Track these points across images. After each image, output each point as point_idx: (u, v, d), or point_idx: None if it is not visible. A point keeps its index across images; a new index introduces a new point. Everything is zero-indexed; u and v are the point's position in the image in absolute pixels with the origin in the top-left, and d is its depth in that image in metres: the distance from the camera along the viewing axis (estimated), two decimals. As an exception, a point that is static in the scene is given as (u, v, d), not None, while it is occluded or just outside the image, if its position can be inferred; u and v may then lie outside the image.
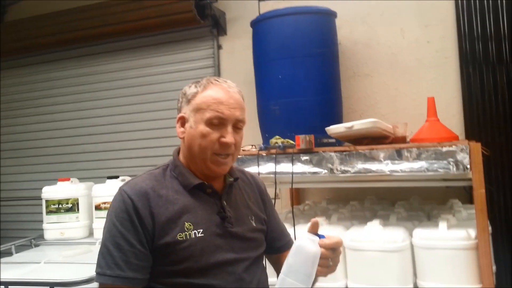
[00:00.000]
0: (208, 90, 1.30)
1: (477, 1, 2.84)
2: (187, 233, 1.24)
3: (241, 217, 1.38)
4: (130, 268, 1.20)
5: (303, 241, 1.25)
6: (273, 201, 1.67)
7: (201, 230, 1.26)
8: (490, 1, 2.81)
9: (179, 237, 1.23)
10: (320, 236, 1.26)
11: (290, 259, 1.24)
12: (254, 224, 1.41)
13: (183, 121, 1.33)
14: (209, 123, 1.28)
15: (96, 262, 1.24)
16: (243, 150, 2.43)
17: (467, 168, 1.93)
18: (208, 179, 1.34)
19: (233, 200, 1.40)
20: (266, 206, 1.52)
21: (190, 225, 1.26)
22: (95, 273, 1.23)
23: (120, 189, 1.28)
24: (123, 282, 1.19)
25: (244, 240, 1.36)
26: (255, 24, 2.77)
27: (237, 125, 1.32)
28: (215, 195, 1.35)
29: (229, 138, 1.28)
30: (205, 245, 1.26)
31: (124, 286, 1.20)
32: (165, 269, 1.24)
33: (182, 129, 1.33)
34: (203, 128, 1.28)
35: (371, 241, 2.04)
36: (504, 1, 2.78)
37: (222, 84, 1.33)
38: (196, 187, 1.32)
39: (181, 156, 1.38)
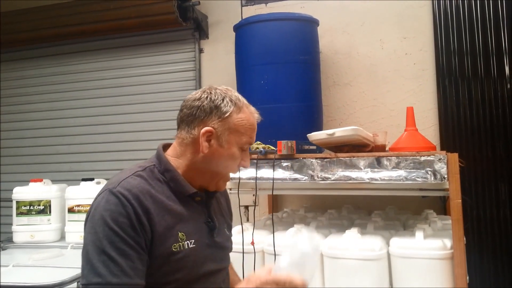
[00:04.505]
0: (243, 113, 1.29)
1: (454, 16, 2.92)
2: (181, 244, 1.20)
3: (220, 225, 1.38)
4: (137, 274, 1.11)
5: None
6: (252, 208, 1.69)
7: (193, 241, 1.24)
8: (467, 17, 2.89)
9: (174, 248, 1.19)
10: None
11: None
12: (227, 232, 1.43)
13: (210, 135, 1.26)
14: (241, 147, 1.29)
15: (82, 274, 1.11)
16: (223, 154, 2.40)
17: (444, 178, 1.96)
18: (198, 188, 1.32)
19: (214, 208, 1.39)
20: (231, 212, 1.54)
21: (183, 235, 1.22)
22: (87, 285, 1.09)
23: (115, 191, 1.16)
24: None
25: (223, 249, 1.37)
26: (238, 28, 2.77)
27: None
28: (202, 202, 1.33)
29: (248, 162, 1.34)
30: (196, 257, 1.23)
31: None
32: (154, 279, 1.17)
33: (206, 143, 1.26)
34: (235, 151, 1.28)
35: (349, 249, 2.04)
36: (479, 19, 2.87)
37: (250, 108, 1.33)
38: (188, 195, 1.28)
39: (173, 161, 1.30)
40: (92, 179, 2.82)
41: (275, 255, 2.05)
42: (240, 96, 1.32)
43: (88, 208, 2.70)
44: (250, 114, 1.31)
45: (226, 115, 1.26)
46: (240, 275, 1.77)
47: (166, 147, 1.37)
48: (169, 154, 1.32)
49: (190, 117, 1.28)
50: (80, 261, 1.15)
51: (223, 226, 1.42)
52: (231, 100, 1.28)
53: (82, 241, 2.70)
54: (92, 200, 1.22)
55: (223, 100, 1.27)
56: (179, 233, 1.21)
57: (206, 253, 1.27)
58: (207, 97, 1.28)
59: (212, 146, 1.26)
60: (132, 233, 1.12)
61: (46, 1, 3.68)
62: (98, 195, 1.21)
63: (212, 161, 1.28)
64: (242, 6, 3.40)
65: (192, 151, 1.28)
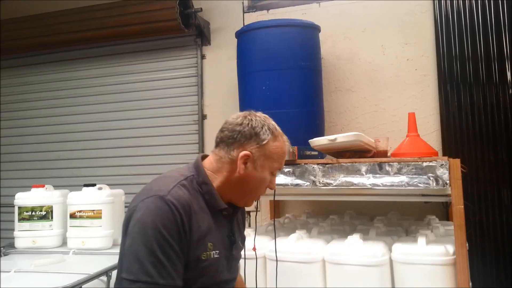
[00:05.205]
0: (278, 141, 1.42)
1: (456, 22, 2.93)
2: (208, 253, 1.33)
3: (237, 239, 1.51)
4: (180, 277, 1.25)
5: None
6: (253, 213, 1.76)
7: (218, 252, 1.36)
8: (468, 23, 2.90)
9: (202, 256, 1.31)
10: None
11: None
12: (240, 245, 1.54)
13: (247, 158, 1.38)
14: (271, 172, 1.43)
15: (128, 269, 1.22)
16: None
17: (446, 183, 1.96)
18: (226, 202, 1.44)
19: (235, 223, 1.51)
20: (244, 225, 1.66)
21: (211, 245, 1.34)
22: (136, 281, 1.20)
23: (167, 199, 1.26)
24: None
25: (236, 261, 1.51)
26: (240, 34, 2.78)
27: None
28: (227, 217, 1.46)
29: (275, 185, 1.48)
30: (217, 266, 1.36)
31: None
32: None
33: (243, 166, 1.38)
34: (267, 175, 1.42)
35: (351, 255, 2.04)
36: (480, 25, 2.87)
37: (284, 137, 1.46)
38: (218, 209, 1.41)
39: (210, 175, 1.41)
40: (94, 185, 2.82)
41: (276, 261, 2.05)
42: (276, 125, 1.45)
43: (89, 213, 2.70)
44: (283, 143, 1.44)
45: (264, 142, 1.38)
46: (242, 281, 1.78)
47: (202, 157, 1.48)
48: (206, 167, 1.43)
49: (230, 139, 1.39)
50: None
51: (239, 239, 1.53)
52: (269, 129, 1.40)
53: (83, 246, 2.70)
54: (136, 200, 1.31)
55: (262, 127, 1.40)
56: (209, 244, 1.33)
57: (224, 263, 1.40)
58: (248, 123, 1.40)
59: (248, 169, 1.39)
60: (178, 239, 1.25)
61: (49, 8, 3.71)
62: (146, 197, 1.28)
63: (245, 182, 1.40)
64: (244, 12, 3.42)
65: (229, 170, 1.40)
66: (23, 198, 2.86)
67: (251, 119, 1.40)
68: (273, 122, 1.45)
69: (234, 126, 1.40)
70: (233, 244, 1.45)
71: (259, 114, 1.45)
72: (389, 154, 2.36)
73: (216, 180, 1.40)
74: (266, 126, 1.40)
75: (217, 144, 1.43)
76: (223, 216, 1.42)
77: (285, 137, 1.47)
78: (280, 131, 1.45)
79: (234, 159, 1.38)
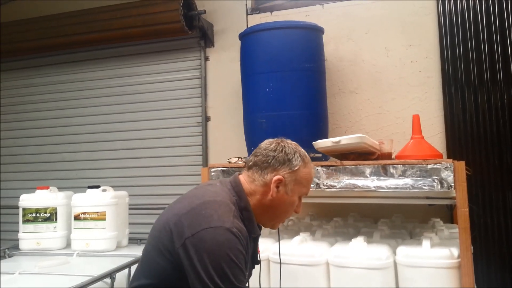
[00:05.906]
0: (307, 168, 1.50)
1: (460, 24, 2.92)
2: (246, 274, 1.40)
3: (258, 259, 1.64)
4: None
5: None
6: None
7: (248, 274, 1.46)
8: (472, 24, 2.89)
9: (244, 278, 1.37)
10: None
11: None
12: None
13: (280, 182, 1.46)
14: (299, 197, 1.52)
15: None
16: (229, 162, 2.41)
17: (451, 186, 1.95)
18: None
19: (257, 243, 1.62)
20: None
21: (248, 268, 1.44)
22: None
23: (235, 232, 1.32)
24: None
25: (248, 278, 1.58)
26: (243, 36, 2.78)
27: None
28: (255, 240, 1.55)
29: (301, 209, 1.55)
30: (244, 285, 1.41)
31: None
32: None
33: (276, 189, 1.46)
34: (296, 199, 1.50)
35: (356, 258, 2.03)
36: (484, 26, 2.86)
37: (312, 164, 1.54)
38: None
39: (251, 202, 1.48)
40: (98, 187, 2.83)
41: (280, 263, 2.04)
42: (306, 153, 1.53)
43: (94, 215, 2.70)
44: (311, 170, 1.53)
45: (296, 168, 1.47)
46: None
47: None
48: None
49: (264, 163, 1.48)
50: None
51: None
52: (300, 156, 1.49)
53: (87, 248, 2.70)
54: (192, 227, 1.32)
55: (294, 154, 1.48)
56: (247, 267, 1.42)
57: (245, 281, 1.46)
58: (281, 150, 1.48)
59: (279, 192, 1.47)
60: (245, 266, 1.35)
61: (53, 10, 3.73)
62: (208, 227, 1.30)
63: (276, 205, 1.48)
64: (247, 14, 3.42)
65: (262, 193, 1.48)
66: (27, 200, 2.87)
67: (284, 146, 1.49)
68: (303, 150, 1.52)
69: (268, 152, 1.48)
70: (255, 264, 1.56)
71: (290, 141, 1.52)
72: (393, 156, 2.35)
73: (251, 203, 1.48)
74: (298, 153, 1.48)
75: (250, 167, 1.51)
76: (251, 239, 1.49)
77: (312, 164, 1.54)
78: (309, 158, 1.52)
79: (268, 182, 1.46)
